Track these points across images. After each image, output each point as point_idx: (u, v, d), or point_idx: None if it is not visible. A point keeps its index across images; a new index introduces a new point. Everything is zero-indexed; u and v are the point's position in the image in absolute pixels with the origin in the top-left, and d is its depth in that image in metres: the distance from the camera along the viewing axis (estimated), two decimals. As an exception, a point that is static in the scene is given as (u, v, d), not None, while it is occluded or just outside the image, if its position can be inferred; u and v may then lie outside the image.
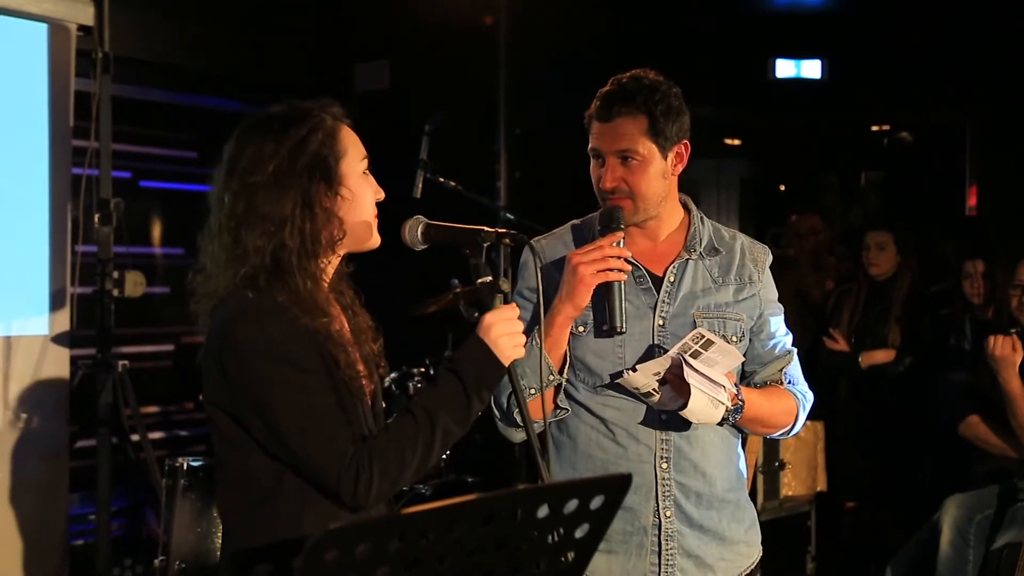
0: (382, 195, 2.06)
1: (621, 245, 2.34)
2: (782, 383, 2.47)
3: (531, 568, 1.59)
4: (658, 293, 2.42)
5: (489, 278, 2.03)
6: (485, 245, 2.04)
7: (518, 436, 2.42)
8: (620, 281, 2.32)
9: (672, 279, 2.43)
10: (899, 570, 4.22)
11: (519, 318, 2.11)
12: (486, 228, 2.05)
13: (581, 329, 2.40)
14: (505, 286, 2.04)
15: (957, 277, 4.83)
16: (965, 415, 4.22)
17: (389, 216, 2.11)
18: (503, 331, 1.97)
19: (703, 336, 2.31)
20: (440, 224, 2.09)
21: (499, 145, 5.91)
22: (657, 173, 2.39)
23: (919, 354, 5.03)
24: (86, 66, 4.50)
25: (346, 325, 2.03)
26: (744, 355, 2.43)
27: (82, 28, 4.50)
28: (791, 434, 2.51)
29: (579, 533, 1.61)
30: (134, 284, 4.46)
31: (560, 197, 6.06)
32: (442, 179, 4.27)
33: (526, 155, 5.94)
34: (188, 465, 3.50)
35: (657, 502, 2.37)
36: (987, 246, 4.85)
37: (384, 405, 4.95)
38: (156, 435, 5.69)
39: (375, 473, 1.85)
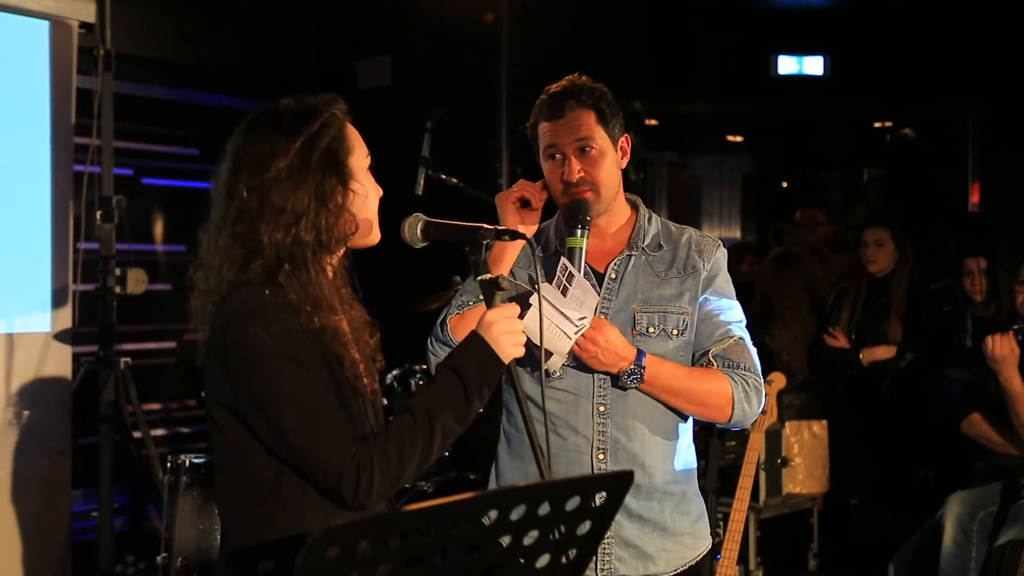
0: (380, 192, 2.07)
1: (583, 239, 2.39)
2: (712, 364, 2.44)
3: (532, 565, 1.59)
4: (600, 288, 2.45)
5: (489, 275, 2.03)
6: (485, 242, 2.04)
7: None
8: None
9: (614, 275, 2.47)
10: (902, 567, 4.22)
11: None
12: (485, 225, 2.05)
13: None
14: (506, 283, 2.04)
15: (958, 274, 4.83)
16: (967, 413, 4.22)
17: (390, 213, 2.10)
18: (504, 329, 1.96)
19: (567, 268, 2.34)
20: (439, 222, 2.09)
21: (500, 142, 5.90)
22: (612, 164, 2.46)
23: (920, 350, 5.03)
24: (88, 63, 4.50)
25: (346, 321, 2.03)
26: (686, 347, 2.46)
27: (84, 25, 4.51)
28: (739, 421, 2.45)
29: (581, 530, 1.61)
30: (136, 281, 4.46)
31: (562, 194, 6.08)
32: (444, 176, 4.26)
33: (527, 152, 5.92)
34: (190, 462, 3.51)
35: None
36: (989, 243, 4.84)
37: (386, 402, 4.96)
38: (158, 432, 5.69)
39: (376, 472, 1.84)
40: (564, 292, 2.30)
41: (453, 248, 2.08)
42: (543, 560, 1.60)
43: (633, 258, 2.48)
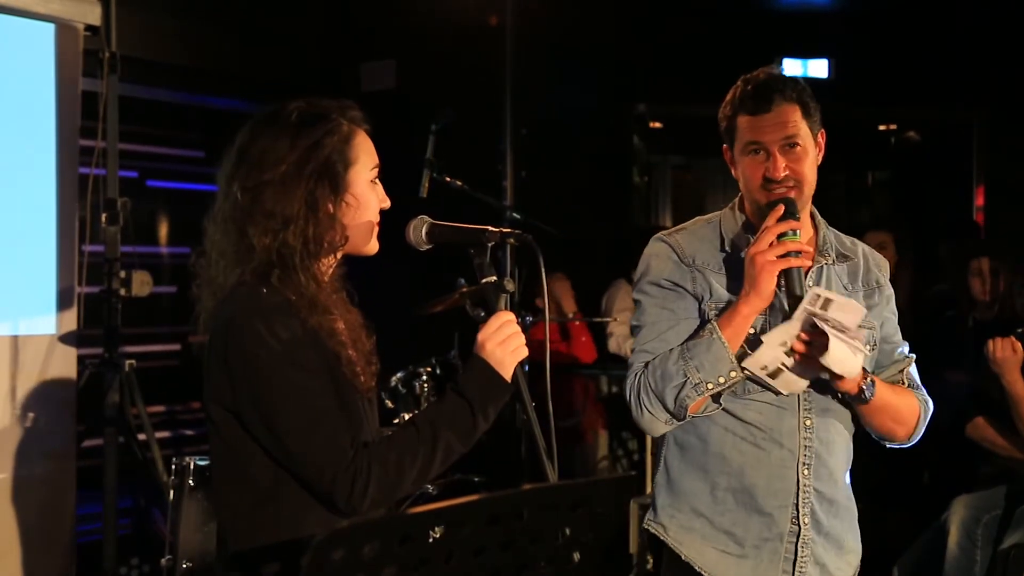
0: (387, 204, 2.06)
1: (797, 235, 2.27)
2: (903, 383, 2.44)
3: (537, 568, 1.59)
4: (802, 292, 2.33)
5: (494, 278, 2.02)
6: (490, 245, 2.04)
7: (663, 431, 2.37)
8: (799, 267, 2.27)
9: (811, 284, 2.37)
10: (906, 571, 4.21)
11: (666, 307, 2.25)
12: (490, 228, 2.05)
13: None
14: (510, 286, 2.04)
15: (962, 276, 4.82)
16: (972, 417, 4.21)
17: (395, 216, 2.11)
18: (496, 341, 1.96)
19: (819, 296, 2.24)
20: (444, 224, 2.09)
21: (505, 145, 5.90)
22: (813, 161, 2.36)
23: (922, 353, 5.01)
24: (93, 66, 4.51)
25: (342, 323, 2.03)
26: (871, 362, 2.40)
27: (89, 28, 4.52)
28: (911, 440, 2.47)
29: (586, 533, 1.61)
30: (141, 284, 4.47)
31: (566, 197, 6.09)
32: (448, 179, 4.27)
33: (532, 155, 5.94)
34: (195, 464, 3.50)
35: (797, 509, 2.34)
36: (993, 244, 4.83)
37: (391, 405, 4.94)
38: (163, 434, 5.69)
39: (372, 479, 1.84)
40: (826, 307, 2.23)
41: (458, 251, 2.08)
42: (549, 562, 1.60)
43: (825, 268, 2.41)
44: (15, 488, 4.27)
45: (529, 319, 4.43)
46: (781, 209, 2.27)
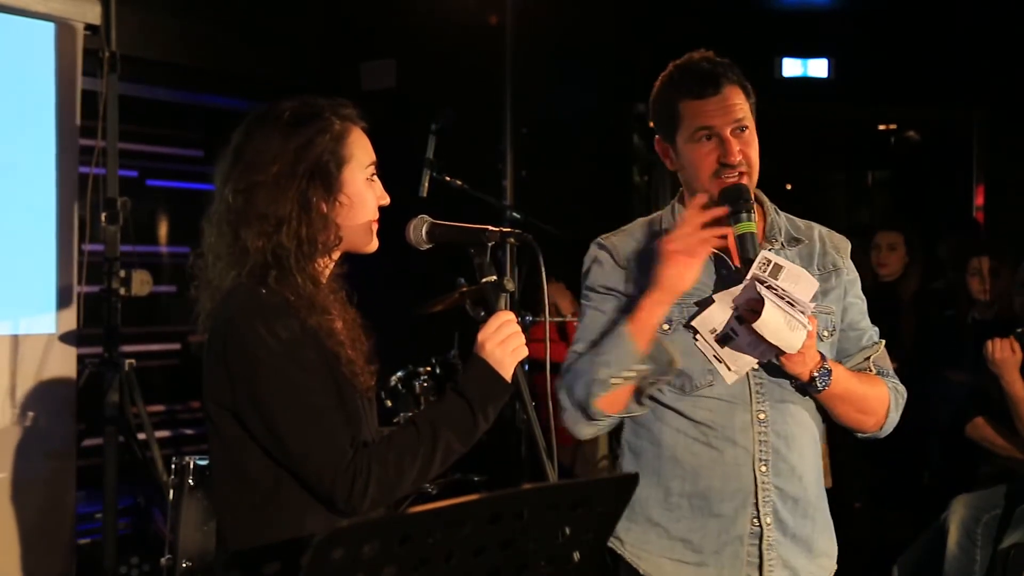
0: (387, 200, 2.05)
1: (753, 224, 2.16)
2: (871, 371, 2.31)
3: (538, 567, 1.59)
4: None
5: (494, 277, 2.03)
6: (490, 244, 2.04)
7: (587, 431, 2.28)
8: (713, 250, 2.17)
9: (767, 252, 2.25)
10: (906, 570, 4.21)
11: (599, 310, 2.21)
12: (490, 227, 2.05)
13: (666, 327, 2.23)
14: (510, 285, 2.04)
15: (961, 275, 4.82)
16: (971, 417, 4.21)
17: (395, 215, 2.10)
18: (496, 341, 1.96)
19: (770, 261, 2.14)
20: (444, 224, 2.09)
21: (505, 144, 5.90)
22: (757, 145, 2.26)
23: (922, 352, 5.02)
24: (93, 65, 4.51)
25: (340, 323, 2.03)
26: (832, 350, 2.29)
27: (89, 27, 4.52)
28: (883, 431, 2.34)
29: (586, 533, 1.61)
30: (141, 283, 4.47)
31: (566, 196, 6.09)
32: (448, 178, 4.27)
33: (532, 155, 5.94)
34: (194, 464, 3.50)
35: (757, 508, 2.23)
36: (993, 244, 4.84)
37: (390, 404, 4.94)
38: (162, 434, 5.69)
39: (372, 479, 1.84)
40: (775, 274, 2.11)
41: (458, 250, 2.08)
42: (549, 562, 1.60)
43: (773, 252, 2.26)
44: (15, 487, 4.27)
45: (529, 319, 4.43)
46: (704, 203, 2.16)
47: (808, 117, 7.35)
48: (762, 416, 2.24)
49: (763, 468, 2.23)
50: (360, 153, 2.01)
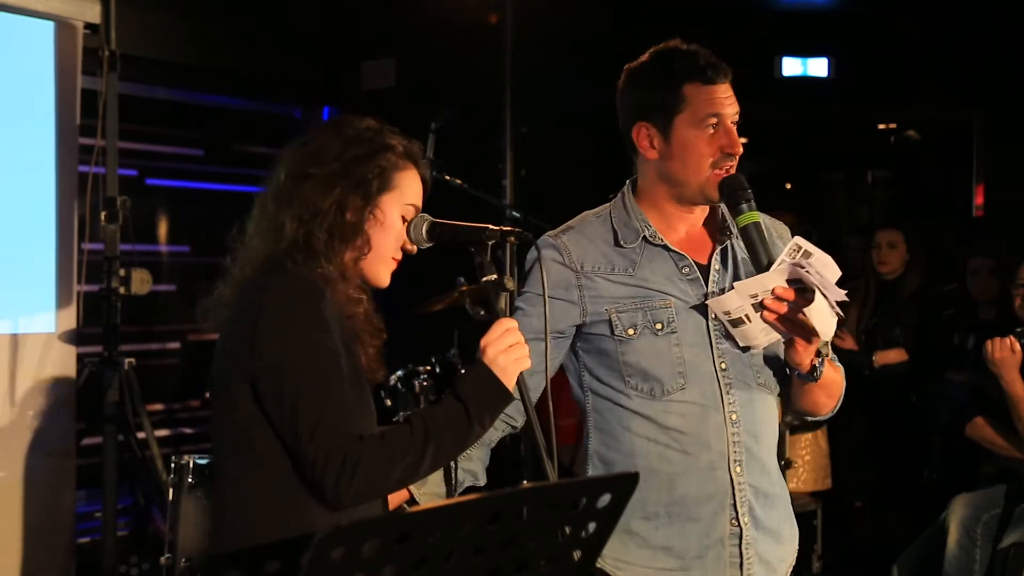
0: (413, 249, 2.09)
1: (756, 214, 2.16)
2: (829, 354, 2.26)
3: (538, 567, 1.59)
4: (707, 283, 2.24)
5: (494, 276, 2.03)
6: (490, 243, 2.04)
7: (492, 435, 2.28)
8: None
9: (717, 266, 2.26)
10: (906, 569, 4.21)
11: (524, 318, 2.16)
12: (491, 226, 2.05)
13: (631, 332, 2.21)
14: (510, 284, 2.04)
15: (962, 274, 4.82)
16: (971, 417, 4.21)
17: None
18: (499, 349, 1.97)
19: (800, 247, 2.07)
20: (445, 222, 2.10)
21: (505, 143, 5.90)
22: None
23: (922, 352, 5.02)
24: (93, 64, 4.51)
25: (363, 317, 2.07)
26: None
27: (89, 26, 4.51)
28: (833, 413, 2.36)
29: (587, 532, 1.61)
30: (140, 282, 4.47)
31: (566, 195, 6.08)
32: (448, 177, 4.27)
33: (532, 153, 5.94)
34: (194, 463, 3.50)
35: (735, 509, 2.21)
36: (994, 243, 4.84)
37: (389, 403, 4.93)
38: (162, 433, 5.69)
39: (358, 471, 1.84)
40: (807, 258, 2.06)
41: (458, 249, 2.08)
42: (549, 561, 1.60)
43: (729, 245, 2.27)
44: (14, 487, 4.27)
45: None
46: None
47: (808, 116, 7.36)
48: (734, 417, 2.22)
49: (738, 469, 2.22)
50: (406, 189, 2.07)
